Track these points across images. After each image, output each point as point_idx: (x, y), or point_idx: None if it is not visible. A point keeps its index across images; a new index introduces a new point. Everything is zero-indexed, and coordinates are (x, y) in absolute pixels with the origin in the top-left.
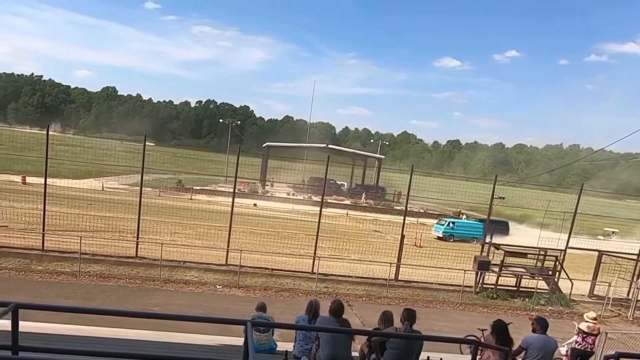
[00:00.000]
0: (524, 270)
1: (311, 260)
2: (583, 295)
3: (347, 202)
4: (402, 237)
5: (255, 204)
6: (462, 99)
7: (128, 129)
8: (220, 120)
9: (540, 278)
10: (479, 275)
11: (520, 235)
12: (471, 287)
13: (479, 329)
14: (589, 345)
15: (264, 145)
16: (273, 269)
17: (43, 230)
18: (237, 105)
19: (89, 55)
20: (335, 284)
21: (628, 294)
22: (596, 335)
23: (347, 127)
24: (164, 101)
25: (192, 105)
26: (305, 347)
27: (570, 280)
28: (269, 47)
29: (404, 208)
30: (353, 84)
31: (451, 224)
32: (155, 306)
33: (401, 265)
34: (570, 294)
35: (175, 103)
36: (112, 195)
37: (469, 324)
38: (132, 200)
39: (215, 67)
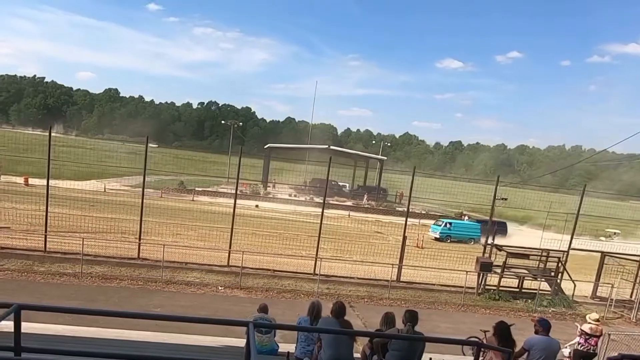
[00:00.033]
0: (526, 271)
1: (313, 262)
2: (586, 296)
3: (349, 203)
4: (404, 238)
5: (257, 205)
6: (464, 100)
7: (130, 130)
8: (222, 122)
9: (543, 279)
10: (481, 277)
11: (523, 237)
12: (473, 288)
13: (481, 330)
14: (592, 347)
15: (265, 147)
16: (275, 270)
17: (45, 232)
18: (239, 107)
19: (91, 56)
20: (337, 285)
21: (631, 296)
22: (599, 337)
23: (349, 129)
24: (166, 102)
25: (194, 106)
26: (307, 349)
27: (573, 281)
28: (270, 49)
29: (405, 209)
30: (355, 85)
31: (448, 225)
32: (157, 307)
33: (403, 267)
34: (573, 295)
35: (177, 104)
36: (114, 196)
37: (471, 325)
38: (134, 202)
39: (217, 68)
